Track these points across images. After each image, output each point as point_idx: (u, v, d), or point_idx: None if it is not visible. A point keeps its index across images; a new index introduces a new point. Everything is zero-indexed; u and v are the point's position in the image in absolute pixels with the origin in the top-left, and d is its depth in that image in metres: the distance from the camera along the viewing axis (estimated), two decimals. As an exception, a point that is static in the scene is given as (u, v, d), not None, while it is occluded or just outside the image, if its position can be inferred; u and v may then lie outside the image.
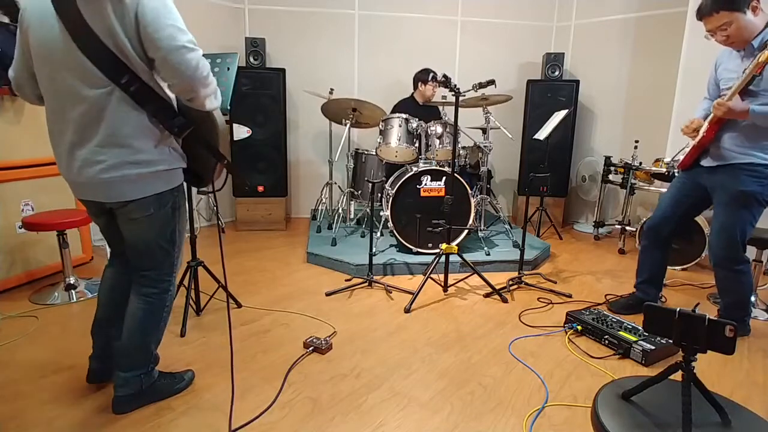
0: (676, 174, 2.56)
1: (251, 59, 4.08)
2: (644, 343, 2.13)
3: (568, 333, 2.39)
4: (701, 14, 2.08)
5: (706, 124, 2.21)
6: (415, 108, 3.95)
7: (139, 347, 1.68)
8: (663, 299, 2.85)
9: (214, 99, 1.49)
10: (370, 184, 3.40)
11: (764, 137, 2.10)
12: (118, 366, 1.67)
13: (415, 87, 4.10)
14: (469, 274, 3.16)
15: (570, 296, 2.89)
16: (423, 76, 3.99)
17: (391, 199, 3.26)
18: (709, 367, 2.11)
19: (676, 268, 3.46)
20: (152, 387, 1.73)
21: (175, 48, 1.32)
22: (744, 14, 2.00)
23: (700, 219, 3.28)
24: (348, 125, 3.69)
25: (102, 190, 1.48)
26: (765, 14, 2.04)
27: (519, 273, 3.06)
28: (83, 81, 1.37)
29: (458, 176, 3.20)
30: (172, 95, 1.52)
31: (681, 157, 2.43)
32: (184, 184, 1.67)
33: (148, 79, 1.41)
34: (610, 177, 4.18)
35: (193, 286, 2.40)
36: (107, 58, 1.34)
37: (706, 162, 2.29)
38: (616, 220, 4.12)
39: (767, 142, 2.10)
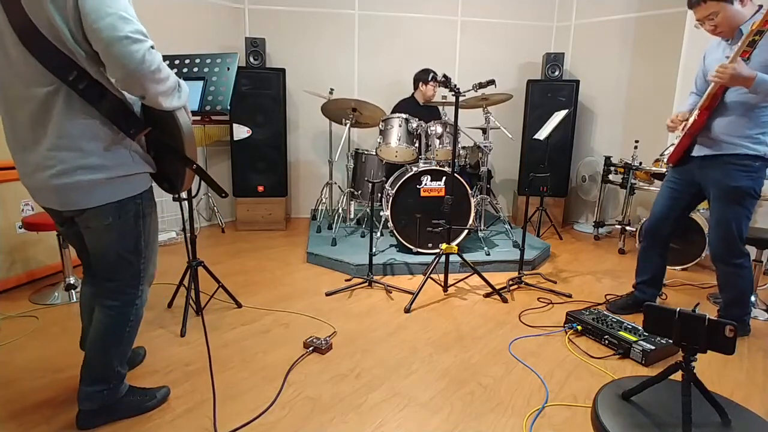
0: (667, 170, 2.54)
1: (251, 59, 4.08)
2: (644, 343, 2.13)
3: (568, 333, 2.39)
4: (691, 4, 2.11)
5: (696, 111, 2.20)
6: (415, 108, 3.95)
7: (100, 362, 1.58)
8: (663, 296, 2.85)
9: (173, 98, 1.35)
10: (370, 184, 3.40)
11: (753, 126, 2.10)
12: (81, 379, 1.58)
13: (416, 87, 4.10)
14: (469, 274, 3.16)
15: (570, 296, 2.89)
16: (423, 76, 3.99)
17: (391, 199, 3.26)
18: (709, 367, 2.11)
19: (676, 268, 3.45)
20: (118, 403, 1.64)
21: (117, 39, 1.18)
22: (731, 4, 2.01)
23: (699, 219, 3.28)
24: (348, 125, 3.69)
25: (55, 197, 1.37)
26: (753, 4, 2.05)
27: (519, 273, 3.06)
28: (30, 79, 1.27)
29: (458, 176, 3.20)
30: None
31: (671, 150, 2.41)
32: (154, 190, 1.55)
33: (98, 75, 1.29)
34: (610, 177, 4.18)
35: (193, 286, 2.40)
36: (51, 53, 1.23)
37: (696, 151, 2.28)
38: (616, 220, 4.12)
39: (755, 131, 2.10)
